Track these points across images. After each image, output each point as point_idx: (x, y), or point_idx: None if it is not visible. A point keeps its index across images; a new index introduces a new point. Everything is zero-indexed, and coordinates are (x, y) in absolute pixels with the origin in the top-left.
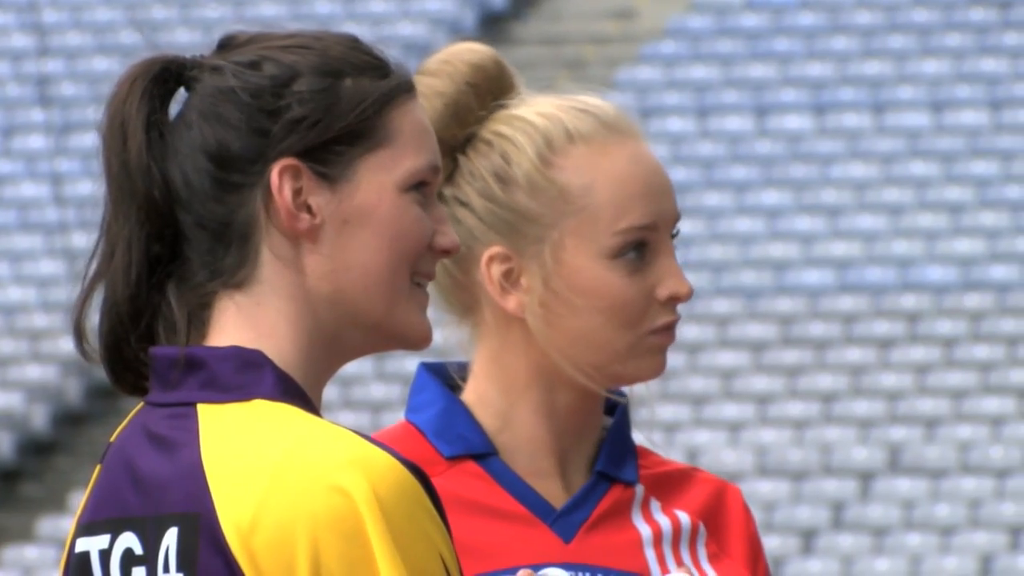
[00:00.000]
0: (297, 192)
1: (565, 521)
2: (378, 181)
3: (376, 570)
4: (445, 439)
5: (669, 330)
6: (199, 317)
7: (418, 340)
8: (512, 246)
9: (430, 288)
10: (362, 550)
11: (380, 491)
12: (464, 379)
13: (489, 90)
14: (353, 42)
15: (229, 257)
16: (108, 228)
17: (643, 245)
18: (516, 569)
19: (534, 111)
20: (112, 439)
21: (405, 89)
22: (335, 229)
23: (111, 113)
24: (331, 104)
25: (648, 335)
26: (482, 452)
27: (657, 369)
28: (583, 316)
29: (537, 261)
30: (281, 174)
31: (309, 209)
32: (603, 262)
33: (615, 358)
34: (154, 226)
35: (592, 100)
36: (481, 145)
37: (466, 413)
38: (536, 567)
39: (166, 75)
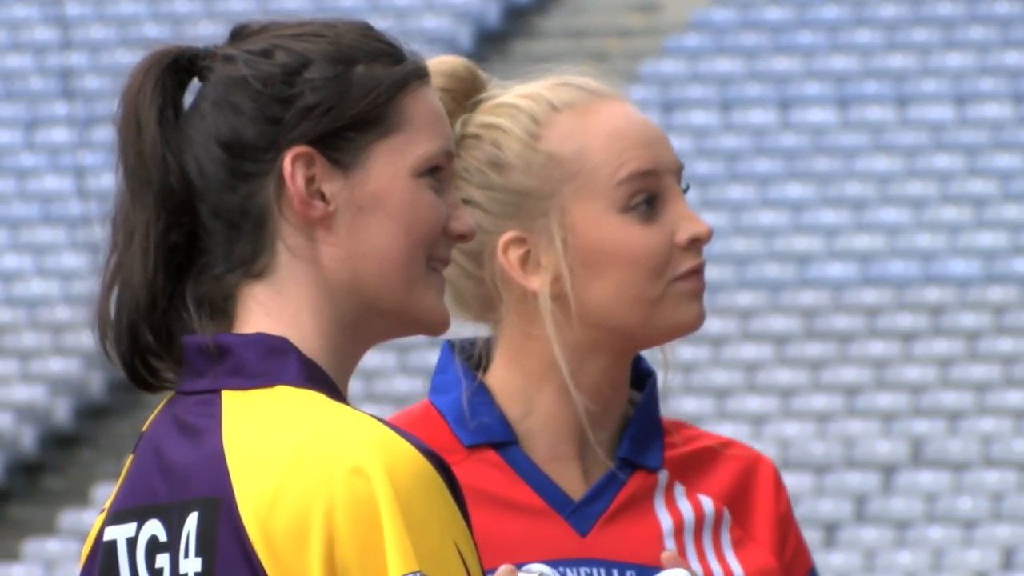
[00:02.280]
0: (310, 180)
1: (582, 513)
2: (391, 167)
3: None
4: (466, 427)
5: (697, 274)
6: (223, 308)
7: (437, 324)
8: (523, 228)
9: (446, 293)
10: (376, 535)
11: (397, 477)
12: (491, 355)
13: (464, 92)
14: (365, 29)
15: (246, 246)
16: (125, 218)
17: (652, 196)
18: (526, 564)
19: (515, 95)
20: (144, 428)
21: (418, 75)
22: (349, 216)
23: (125, 104)
24: (343, 91)
25: (676, 282)
26: (502, 441)
27: (696, 317)
28: (608, 276)
29: (550, 234)
30: (293, 162)
31: (323, 196)
32: (614, 217)
33: (650, 312)
34: (171, 215)
35: (571, 75)
36: (469, 141)
37: (489, 400)
38: (544, 563)
39: (179, 65)
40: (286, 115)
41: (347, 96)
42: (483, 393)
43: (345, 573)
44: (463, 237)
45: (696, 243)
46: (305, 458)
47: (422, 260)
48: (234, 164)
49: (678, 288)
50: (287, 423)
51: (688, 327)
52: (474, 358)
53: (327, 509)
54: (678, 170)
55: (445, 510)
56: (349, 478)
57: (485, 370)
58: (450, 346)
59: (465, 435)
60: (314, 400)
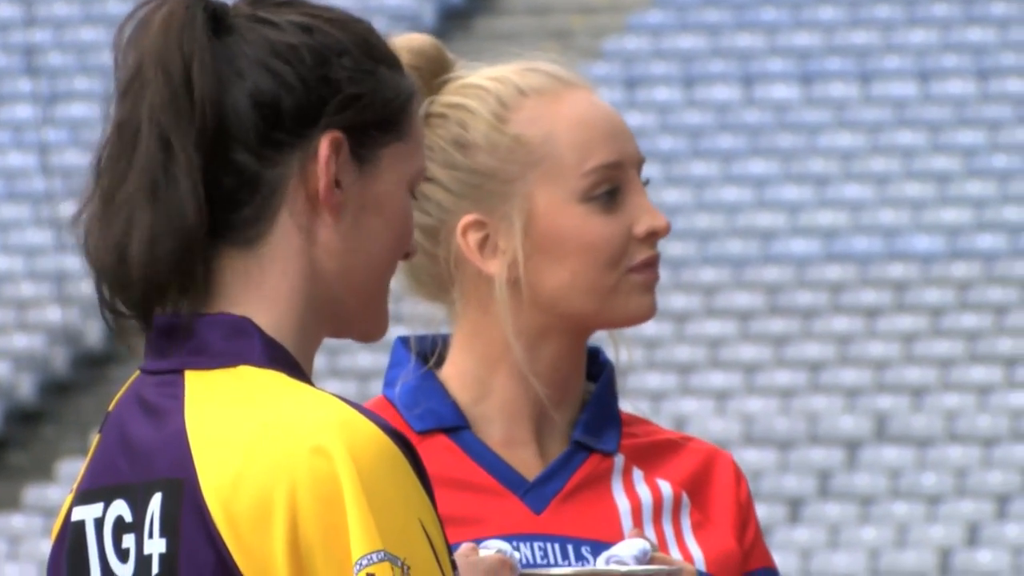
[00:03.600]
0: (337, 167)
1: (537, 492)
2: (396, 174)
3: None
4: (416, 414)
5: (651, 266)
6: (201, 275)
7: (379, 333)
8: (484, 211)
9: (401, 269)
10: (339, 515)
11: (359, 456)
12: (445, 352)
13: (431, 71)
14: (377, 32)
15: (247, 210)
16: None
17: (614, 188)
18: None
19: (483, 76)
20: (110, 407)
21: (418, 89)
22: (355, 211)
23: (165, 34)
24: (376, 88)
25: (630, 273)
26: (452, 426)
27: (647, 308)
28: (564, 263)
29: (510, 218)
30: (331, 145)
31: (339, 185)
32: (576, 206)
33: (603, 301)
34: (208, 158)
35: (539, 61)
36: (435, 119)
37: (438, 387)
38: (502, 538)
39: (215, 13)
40: (332, 98)
41: (379, 94)
42: (432, 381)
43: (309, 553)
44: (408, 256)
45: (653, 236)
46: (267, 439)
47: (392, 271)
48: (265, 129)
49: (632, 279)
50: (249, 404)
51: (639, 318)
52: (428, 352)
53: (290, 489)
54: (640, 163)
55: (409, 488)
56: (311, 458)
57: (439, 365)
58: (403, 341)
59: (416, 422)
60: (276, 380)
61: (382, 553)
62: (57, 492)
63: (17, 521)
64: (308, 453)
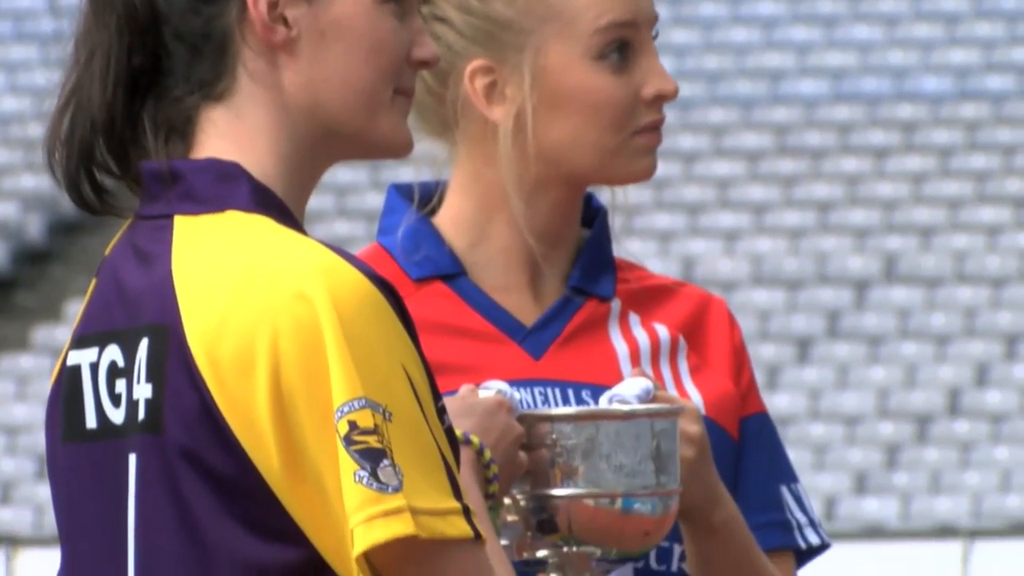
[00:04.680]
0: (273, 4)
1: (535, 338)
2: None
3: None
4: (413, 261)
5: (655, 130)
6: (182, 131)
7: (399, 148)
8: (494, 57)
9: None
10: (320, 361)
11: (341, 303)
12: (441, 200)
13: None
14: None
15: (206, 69)
16: (86, 38)
17: (625, 45)
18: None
19: None
20: (107, 252)
21: None
22: (312, 42)
23: None
24: None
25: (634, 135)
26: (450, 273)
27: (647, 170)
28: (570, 119)
29: (520, 70)
30: None
31: (285, 21)
32: (587, 63)
33: (604, 160)
34: (134, 36)
35: None
36: None
37: (435, 234)
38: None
39: None
40: None
41: None
42: (428, 228)
43: (291, 400)
44: (426, 63)
45: (661, 99)
46: (250, 285)
47: (387, 88)
48: None
49: (636, 142)
50: (234, 250)
51: (639, 178)
52: (424, 199)
53: (272, 336)
54: (654, 21)
55: (392, 335)
56: (293, 304)
57: (435, 212)
58: (397, 188)
59: (413, 269)
60: (262, 225)
61: (363, 400)
62: (65, 332)
63: (25, 361)
64: (290, 299)
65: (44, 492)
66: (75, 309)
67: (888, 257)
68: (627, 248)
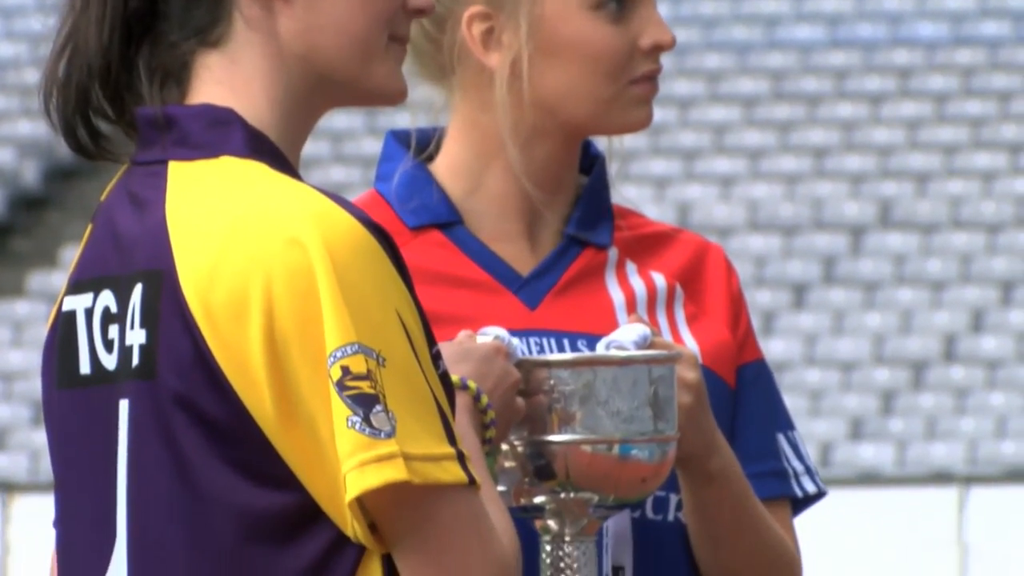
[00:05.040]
0: None
1: (531, 288)
2: None
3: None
4: (409, 209)
5: (652, 80)
6: (177, 77)
7: (393, 95)
8: (491, 4)
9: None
10: (314, 307)
11: (335, 248)
12: (438, 147)
13: None
14: None
15: (203, 15)
16: None
17: None
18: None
19: None
20: (102, 198)
21: None
22: None
23: None
24: None
25: (631, 85)
26: (446, 221)
27: (643, 120)
28: (567, 68)
29: (517, 17)
30: None
31: None
32: (584, 12)
33: (599, 109)
34: None
35: None
36: None
37: (431, 181)
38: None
39: None
40: None
41: None
42: (425, 175)
43: (284, 345)
44: (421, 11)
45: (658, 50)
46: (243, 230)
47: (381, 35)
48: None
49: (632, 91)
50: (227, 195)
51: (634, 128)
52: (421, 146)
53: (265, 281)
54: None
55: (386, 281)
56: (286, 250)
57: (432, 159)
58: (394, 135)
59: (409, 217)
60: (256, 171)
61: (356, 346)
62: (61, 278)
63: (21, 307)
64: (283, 245)
65: (40, 438)
66: (71, 255)
67: (884, 203)
68: (623, 194)
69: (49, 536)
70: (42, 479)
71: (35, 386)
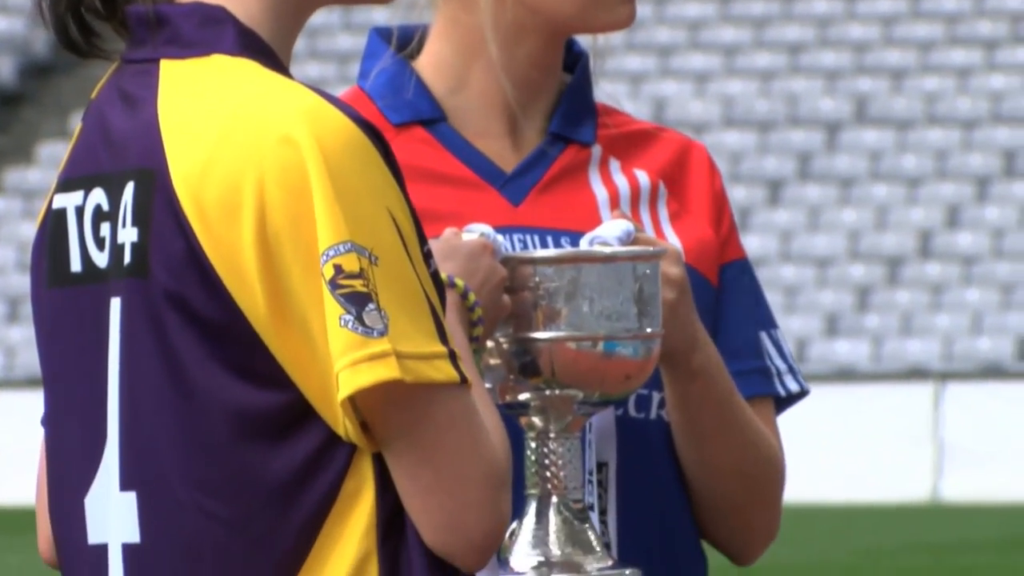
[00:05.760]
0: None
1: (515, 184)
2: None
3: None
4: (393, 106)
5: None
6: None
7: None
8: None
9: None
10: (306, 205)
11: (327, 146)
12: (421, 44)
13: None
14: None
15: None
16: None
17: None
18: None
19: None
20: (93, 96)
21: None
22: None
23: None
24: None
25: None
26: (430, 118)
27: (626, 18)
28: None
29: None
30: None
31: None
32: None
33: (582, 7)
34: None
35: None
36: None
37: (415, 79)
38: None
39: None
40: None
41: None
42: (408, 72)
43: (277, 243)
44: None
45: None
46: (235, 128)
47: None
48: None
49: None
50: (219, 93)
51: (617, 26)
52: (403, 43)
53: (258, 179)
54: None
55: (378, 178)
56: (278, 147)
57: (415, 56)
58: (378, 32)
59: (393, 114)
60: (247, 69)
61: (349, 244)
62: (37, 175)
63: None
64: (276, 143)
65: (15, 334)
66: (47, 151)
67: (859, 99)
68: (602, 90)
69: (25, 432)
70: (17, 375)
71: (11, 282)
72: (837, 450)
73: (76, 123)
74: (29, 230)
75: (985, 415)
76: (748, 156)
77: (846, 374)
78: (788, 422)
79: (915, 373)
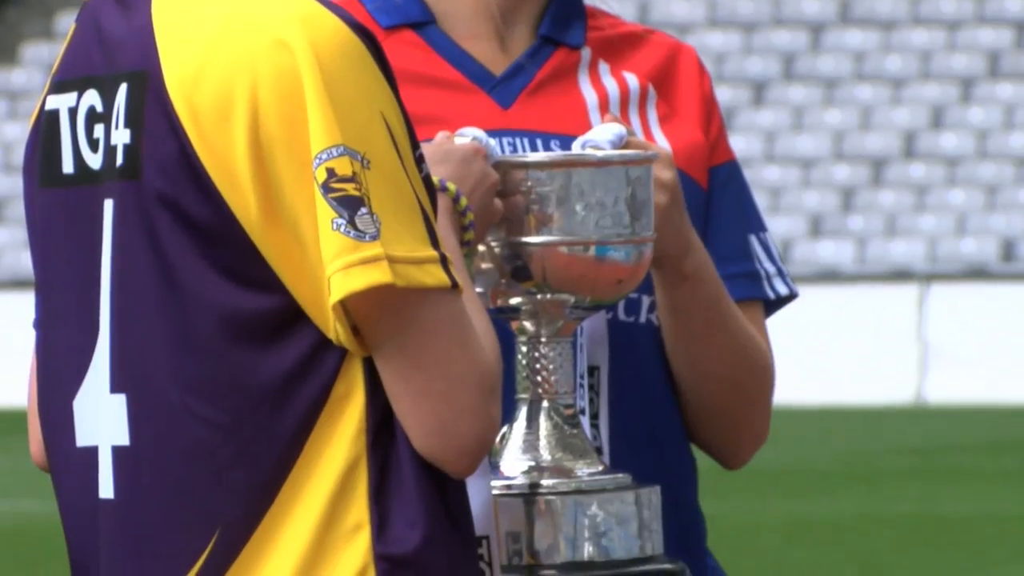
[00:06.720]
0: None
1: (504, 87)
2: None
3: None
4: (383, 9)
5: None
6: None
7: None
8: None
9: None
10: (300, 109)
11: (321, 50)
12: None
13: None
14: None
15: None
16: None
17: None
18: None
19: None
20: None
21: None
22: None
23: None
24: None
25: None
26: (419, 21)
27: None
28: None
29: None
30: None
31: None
32: None
33: None
34: None
35: None
36: None
37: None
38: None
39: None
40: None
41: None
42: None
43: (269, 147)
44: None
45: None
46: (229, 33)
47: None
48: None
49: None
50: None
51: None
52: None
53: (251, 84)
54: None
55: (372, 83)
56: (272, 51)
57: None
58: None
59: (383, 16)
60: None
61: (341, 148)
62: (22, 76)
63: None
64: (269, 47)
65: (1, 236)
66: (31, 52)
67: None
68: None
69: (9, 333)
70: (2, 276)
71: None
72: (821, 352)
73: (61, 24)
74: (13, 131)
75: (969, 316)
76: (732, 57)
77: (830, 275)
78: (772, 324)
79: (899, 274)
